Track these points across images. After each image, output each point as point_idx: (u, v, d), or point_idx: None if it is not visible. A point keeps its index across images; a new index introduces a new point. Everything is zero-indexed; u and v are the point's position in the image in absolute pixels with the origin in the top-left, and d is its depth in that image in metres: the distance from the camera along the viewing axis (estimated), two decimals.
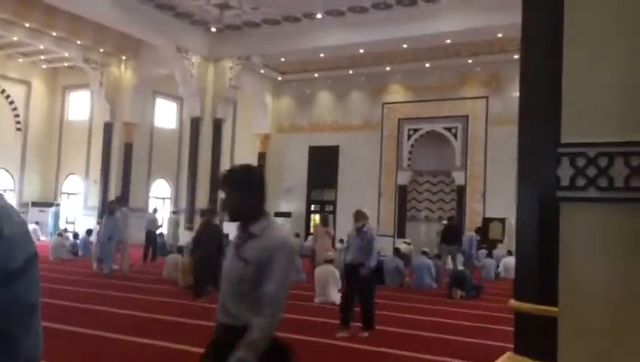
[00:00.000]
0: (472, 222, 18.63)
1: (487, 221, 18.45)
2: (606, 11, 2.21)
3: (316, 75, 22.45)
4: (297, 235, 19.18)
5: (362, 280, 6.97)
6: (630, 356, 2.10)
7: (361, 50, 19.40)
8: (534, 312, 2.74)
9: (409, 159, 20.74)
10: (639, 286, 2.14)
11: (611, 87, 2.23)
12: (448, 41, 17.93)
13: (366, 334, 6.89)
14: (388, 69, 21.03)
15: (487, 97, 19.47)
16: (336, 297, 8.72)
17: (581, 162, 2.26)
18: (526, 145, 3.02)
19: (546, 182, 2.73)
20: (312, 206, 23.04)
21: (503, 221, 17.22)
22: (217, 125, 20.47)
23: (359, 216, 7.23)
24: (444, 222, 16.61)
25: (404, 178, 20.78)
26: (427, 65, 20.31)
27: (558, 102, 2.35)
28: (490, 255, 14.94)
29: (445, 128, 20.10)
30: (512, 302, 2.90)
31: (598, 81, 2.25)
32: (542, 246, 2.82)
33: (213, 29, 19.62)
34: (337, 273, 9.19)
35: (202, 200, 19.42)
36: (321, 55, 20.19)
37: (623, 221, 2.20)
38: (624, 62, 2.21)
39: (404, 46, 18.66)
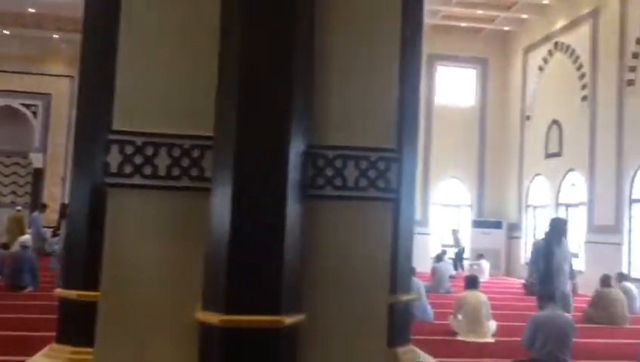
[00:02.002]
0: (51, 209, 17.63)
1: (65, 206, 17.69)
2: (152, 19, 2.33)
3: None
4: None
5: None
6: (164, 339, 2.22)
7: None
8: (78, 299, 2.71)
9: None
10: (177, 269, 2.29)
11: (159, 84, 2.38)
12: (32, 10, 16.47)
13: None
14: None
15: (72, 77, 18.65)
16: None
17: (129, 150, 2.33)
18: (82, 131, 2.97)
19: (98, 168, 2.72)
20: None
21: None
22: None
23: None
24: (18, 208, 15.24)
25: None
26: (6, 32, 18.16)
27: (112, 92, 2.38)
28: None
29: (23, 105, 18.61)
30: (58, 290, 2.81)
31: (147, 77, 2.37)
32: (91, 232, 2.81)
33: None
34: None
35: None
36: None
37: (165, 207, 2.35)
38: (171, 64, 2.38)
39: None
